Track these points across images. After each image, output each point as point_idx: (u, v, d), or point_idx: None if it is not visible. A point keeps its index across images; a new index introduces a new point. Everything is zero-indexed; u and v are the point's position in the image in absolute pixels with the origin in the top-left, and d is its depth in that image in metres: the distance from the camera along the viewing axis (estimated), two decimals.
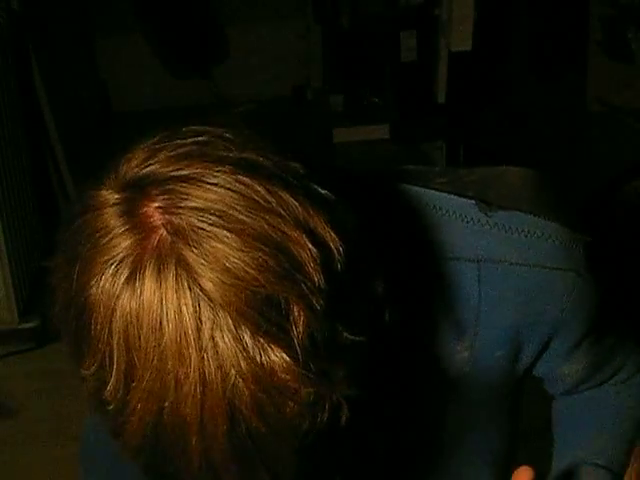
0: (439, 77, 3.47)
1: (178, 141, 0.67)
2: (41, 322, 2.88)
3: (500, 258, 0.85)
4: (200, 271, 0.62)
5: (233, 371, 0.62)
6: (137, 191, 0.65)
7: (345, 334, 0.66)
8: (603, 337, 0.97)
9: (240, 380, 0.62)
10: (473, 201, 0.87)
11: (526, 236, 0.86)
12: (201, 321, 0.62)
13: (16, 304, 2.91)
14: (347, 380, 0.66)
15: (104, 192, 0.66)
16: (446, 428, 0.95)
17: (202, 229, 0.63)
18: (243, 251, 0.62)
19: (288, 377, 0.63)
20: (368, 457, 0.95)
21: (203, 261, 0.62)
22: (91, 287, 0.64)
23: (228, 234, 0.62)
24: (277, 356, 0.62)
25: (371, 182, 0.88)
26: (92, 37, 4.25)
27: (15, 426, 2.67)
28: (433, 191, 0.88)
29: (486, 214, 0.86)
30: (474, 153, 3.45)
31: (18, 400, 2.75)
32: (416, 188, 0.88)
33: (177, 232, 0.63)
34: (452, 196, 0.87)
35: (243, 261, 0.62)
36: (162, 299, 0.62)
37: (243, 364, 0.62)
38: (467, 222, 0.86)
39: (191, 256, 0.62)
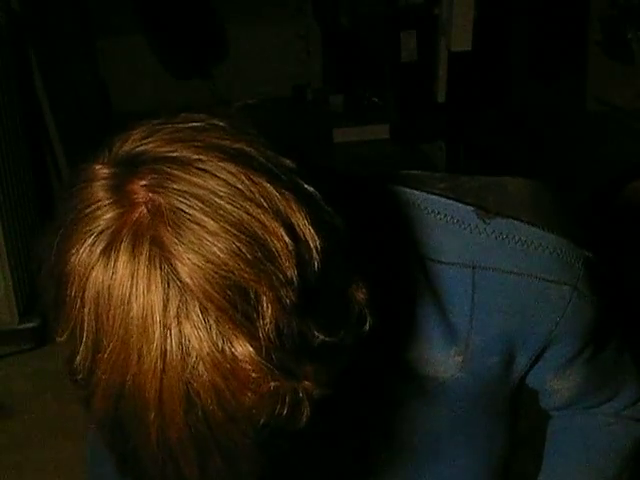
0: (439, 77, 3.47)
1: (175, 125, 0.69)
2: (41, 322, 2.88)
3: (495, 266, 0.85)
4: (173, 251, 0.63)
5: (194, 353, 0.63)
6: (127, 168, 0.66)
7: (317, 333, 0.66)
8: (598, 357, 0.96)
9: (200, 363, 0.63)
10: (472, 207, 0.87)
11: (523, 245, 0.86)
12: (168, 299, 0.62)
13: (16, 304, 2.91)
14: (315, 379, 0.66)
15: (97, 166, 0.68)
16: (440, 431, 0.95)
17: (181, 210, 0.64)
18: (218, 236, 0.63)
19: (249, 367, 0.63)
20: (338, 460, 0.94)
21: (177, 241, 0.63)
22: (70, 256, 0.65)
23: (205, 218, 0.63)
24: (240, 345, 0.63)
25: (368, 184, 0.88)
26: (92, 37, 4.25)
27: (15, 426, 2.67)
28: (432, 196, 0.87)
29: (484, 221, 0.86)
30: (474, 153, 3.45)
31: (18, 400, 2.75)
32: (414, 192, 0.88)
33: (157, 211, 0.64)
34: (451, 201, 0.87)
35: (216, 246, 0.63)
36: (133, 274, 0.63)
37: (205, 348, 0.62)
38: (464, 228, 0.86)
39: (166, 235, 0.63)
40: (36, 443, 2.57)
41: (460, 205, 0.87)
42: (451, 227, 0.86)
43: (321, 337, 0.66)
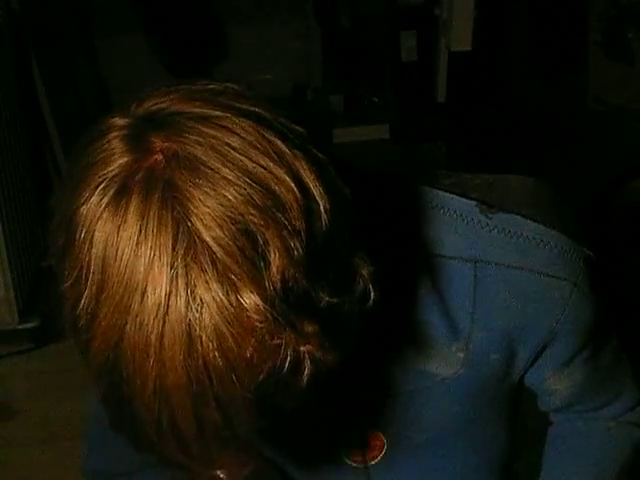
0: (439, 77, 3.47)
1: (193, 87, 0.71)
2: (41, 322, 2.88)
3: (497, 260, 0.85)
4: (186, 193, 0.64)
5: (199, 297, 0.63)
6: (145, 120, 0.67)
7: (321, 294, 0.66)
8: (596, 357, 0.96)
9: (205, 307, 0.63)
10: (475, 202, 0.87)
11: (525, 241, 0.86)
12: (177, 241, 0.63)
13: (16, 304, 2.91)
14: (318, 342, 0.66)
15: (114, 119, 0.69)
16: (441, 428, 0.95)
17: (197, 157, 0.65)
18: (231, 182, 0.64)
19: (254, 315, 0.63)
20: (338, 451, 0.95)
21: (191, 184, 0.64)
22: (82, 199, 0.66)
23: (219, 165, 0.65)
24: (246, 292, 0.63)
25: (372, 176, 0.88)
26: (92, 37, 4.25)
27: (15, 426, 2.67)
28: (436, 190, 0.88)
29: (487, 216, 0.86)
30: (474, 153, 3.45)
31: (18, 400, 2.75)
32: (418, 185, 0.88)
33: (173, 157, 0.65)
34: (454, 196, 0.88)
35: (228, 191, 0.64)
36: (144, 215, 0.63)
37: (211, 292, 0.63)
38: (467, 222, 0.86)
39: (181, 179, 0.64)
40: (36, 443, 2.57)
41: (463, 200, 0.87)
42: (454, 221, 0.86)
43: (326, 298, 0.67)
